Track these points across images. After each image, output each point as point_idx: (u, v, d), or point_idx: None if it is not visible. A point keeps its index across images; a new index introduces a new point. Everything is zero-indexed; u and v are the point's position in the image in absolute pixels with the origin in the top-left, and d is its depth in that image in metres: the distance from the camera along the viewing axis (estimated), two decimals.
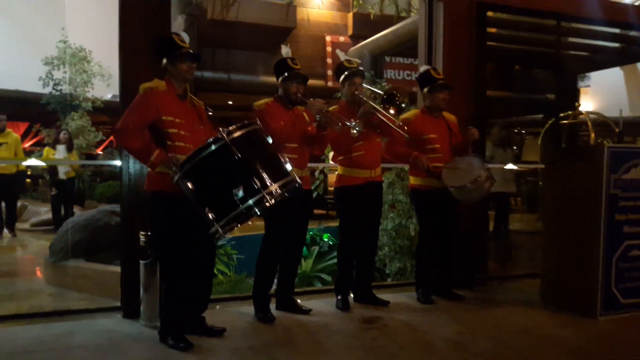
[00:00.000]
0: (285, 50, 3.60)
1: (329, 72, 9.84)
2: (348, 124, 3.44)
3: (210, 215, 2.63)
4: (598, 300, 3.73)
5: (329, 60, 10.04)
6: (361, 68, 3.90)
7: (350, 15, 10.26)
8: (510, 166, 6.13)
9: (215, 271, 4.84)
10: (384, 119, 3.69)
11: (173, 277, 3.04)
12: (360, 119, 3.65)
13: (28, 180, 11.85)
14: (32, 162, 7.29)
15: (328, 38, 10.07)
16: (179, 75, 3.04)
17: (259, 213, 2.70)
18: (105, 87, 10.73)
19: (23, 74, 10.63)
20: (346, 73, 3.78)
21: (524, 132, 14.66)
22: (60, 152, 7.97)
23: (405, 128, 3.75)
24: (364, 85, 3.90)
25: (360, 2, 10.23)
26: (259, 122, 2.97)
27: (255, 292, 3.61)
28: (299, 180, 2.87)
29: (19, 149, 7.70)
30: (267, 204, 2.62)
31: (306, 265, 5.29)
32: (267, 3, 9.62)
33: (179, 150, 2.93)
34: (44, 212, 8.65)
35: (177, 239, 2.97)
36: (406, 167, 5.27)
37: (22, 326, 3.40)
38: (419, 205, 4.15)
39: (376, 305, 3.95)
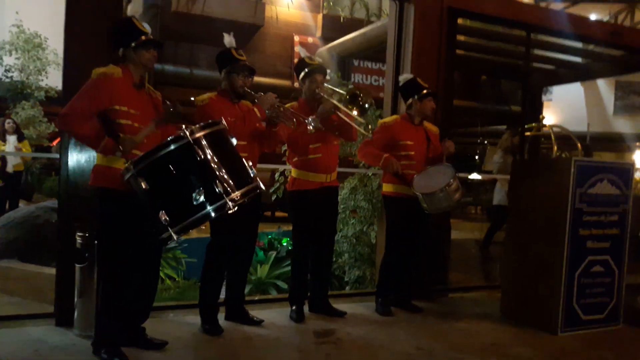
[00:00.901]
0: (228, 40, 3.33)
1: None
2: (303, 119, 3.24)
3: (164, 218, 2.38)
4: (559, 316, 3.65)
5: (296, 60, 9.82)
6: (323, 66, 3.71)
7: (320, 16, 10.11)
8: (474, 175, 6.07)
9: (162, 276, 4.58)
10: (345, 118, 3.53)
11: (112, 282, 2.76)
12: (320, 116, 3.47)
13: None
14: None
15: (296, 38, 9.88)
16: (141, 64, 2.78)
17: (213, 218, 2.46)
18: (61, 77, 10.20)
19: None
20: (307, 70, 3.59)
21: (486, 142, 14.87)
22: (11, 142, 7.50)
23: (369, 127, 3.60)
24: (326, 84, 3.71)
25: (331, 3, 10.09)
26: (224, 121, 2.72)
27: (202, 302, 3.37)
28: (262, 187, 2.66)
29: None
30: (229, 211, 2.41)
31: (262, 271, 5.05)
32: None
33: None
34: None
35: (121, 240, 2.70)
36: (369, 172, 5.15)
37: None
38: (390, 212, 3.99)
39: (332, 317, 3.76)
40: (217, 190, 2.34)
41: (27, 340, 3.02)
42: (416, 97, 3.86)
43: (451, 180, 3.64)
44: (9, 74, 9.91)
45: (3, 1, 9.99)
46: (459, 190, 3.74)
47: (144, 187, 2.38)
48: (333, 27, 9.63)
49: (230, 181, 2.42)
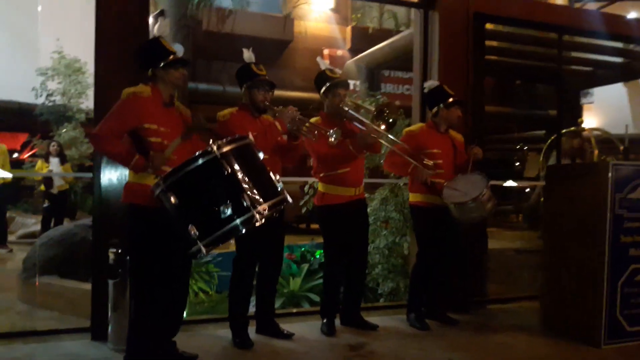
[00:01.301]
0: (247, 55, 3.35)
1: None
2: (325, 131, 3.22)
3: (193, 232, 2.41)
4: (602, 327, 3.47)
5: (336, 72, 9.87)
6: (346, 79, 3.70)
7: (348, 29, 10.14)
8: (510, 183, 5.90)
9: (195, 289, 4.63)
10: (383, 142, 3.51)
11: (143, 297, 2.80)
12: (356, 144, 3.44)
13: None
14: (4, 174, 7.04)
15: (326, 51, 9.92)
16: (170, 82, 2.85)
17: (243, 232, 2.48)
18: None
19: (18, 85, 10.50)
20: (328, 84, 3.57)
21: (525, 148, 14.49)
22: (54, 164, 7.79)
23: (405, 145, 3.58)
24: (349, 98, 3.69)
25: (359, 15, 10.11)
26: (251, 136, 2.76)
27: (231, 315, 3.38)
28: (289, 199, 2.65)
29: (5, 161, 7.51)
30: (257, 224, 2.41)
31: (294, 284, 5.04)
32: (264, 15, 9.52)
33: None
34: (32, 224, 8.44)
35: (152, 256, 2.74)
36: (400, 183, 5.08)
37: None
38: (418, 222, 3.92)
39: (364, 330, 3.70)
40: (244, 203, 2.36)
41: (63, 354, 3.10)
42: (442, 105, 3.80)
43: (484, 190, 3.56)
44: (52, 98, 10.35)
45: (45, 29, 10.45)
46: (492, 200, 3.66)
47: (173, 201, 2.42)
48: (362, 39, 9.64)
49: (258, 194, 2.43)
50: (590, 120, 13.87)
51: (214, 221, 2.35)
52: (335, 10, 10.06)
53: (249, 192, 2.39)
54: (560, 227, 3.86)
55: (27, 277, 4.40)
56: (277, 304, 4.88)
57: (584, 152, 5.07)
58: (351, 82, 9.19)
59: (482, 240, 4.92)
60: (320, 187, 3.66)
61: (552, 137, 6.33)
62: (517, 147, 14.66)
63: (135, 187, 2.75)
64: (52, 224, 7.48)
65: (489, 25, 6.30)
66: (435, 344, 3.48)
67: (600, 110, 14.89)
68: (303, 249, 6.05)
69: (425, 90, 3.96)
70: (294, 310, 4.49)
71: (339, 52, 9.99)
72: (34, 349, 3.17)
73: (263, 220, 2.42)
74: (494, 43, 7.45)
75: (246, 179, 2.44)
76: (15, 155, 11.72)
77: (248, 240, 3.27)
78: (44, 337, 3.42)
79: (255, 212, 2.37)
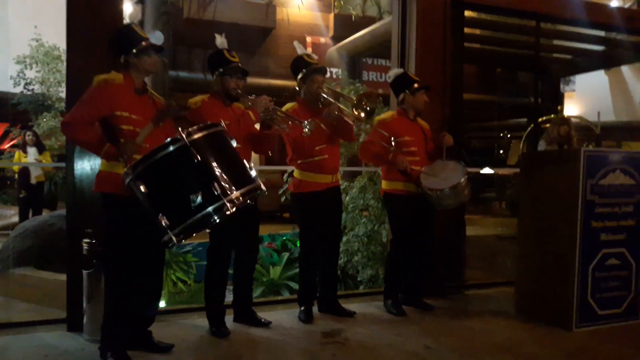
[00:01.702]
0: (220, 41, 3.31)
1: None
2: (299, 122, 3.21)
3: (164, 222, 2.39)
4: (574, 311, 3.55)
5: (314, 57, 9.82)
6: (323, 65, 3.68)
7: (331, 16, 10.09)
8: (487, 170, 5.95)
9: (174, 279, 4.63)
10: (348, 120, 3.50)
11: (117, 287, 2.80)
12: (326, 121, 3.45)
13: None
14: None
15: (309, 39, 9.88)
16: (143, 69, 2.82)
17: (217, 221, 2.47)
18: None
19: None
20: (305, 70, 3.55)
21: (509, 135, 14.61)
22: (31, 154, 7.69)
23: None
24: (326, 85, 3.68)
25: (342, 3, 10.05)
26: (223, 123, 2.73)
27: (207, 305, 3.38)
28: (263, 187, 2.65)
29: None
30: (228, 212, 2.40)
31: (274, 272, 5.06)
32: (246, 3, 9.43)
33: None
34: (11, 215, 8.33)
35: (126, 246, 2.73)
36: (379, 171, 5.09)
37: None
38: (392, 210, 3.94)
39: (341, 317, 3.74)
40: (215, 191, 2.34)
41: (38, 345, 3.09)
42: (407, 91, 3.80)
43: (463, 178, 3.59)
44: (30, 87, 10.17)
45: (22, 16, 10.24)
46: (468, 187, 3.70)
47: (143, 190, 2.40)
48: (345, 27, 9.59)
49: (230, 182, 2.41)
50: (572, 107, 14.01)
51: (184, 210, 2.34)
52: None
53: (220, 181, 2.37)
54: (535, 213, 3.91)
55: (2, 269, 4.36)
56: (257, 292, 4.94)
57: (571, 140, 5.09)
58: (333, 70, 9.18)
59: (459, 226, 4.96)
60: (296, 174, 3.66)
61: (532, 125, 6.36)
62: (501, 134, 14.77)
63: (107, 176, 2.72)
64: (30, 215, 7.38)
65: (470, 13, 6.34)
66: (410, 330, 3.52)
67: (582, 98, 15.02)
68: (285, 237, 6.08)
69: (390, 79, 3.95)
70: (273, 299, 4.51)
71: (322, 40, 9.95)
72: (8, 341, 3.15)
73: (234, 209, 2.40)
74: (477, 31, 7.47)
75: (217, 166, 2.42)
76: None
77: (221, 230, 3.25)
78: (19, 329, 3.39)
79: (226, 201, 2.35)
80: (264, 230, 6.69)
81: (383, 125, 3.79)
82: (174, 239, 2.37)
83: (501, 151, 15.22)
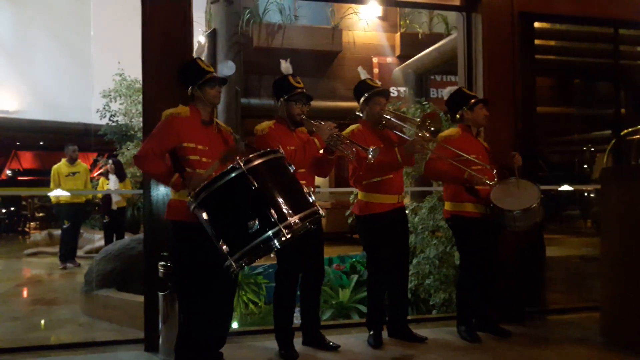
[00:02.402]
0: (285, 66, 3.37)
1: None
2: (364, 149, 3.19)
3: (224, 247, 2.45)
4: None
5: (377, 82, 9.82)
6: (386, 88, 3.67)
7: (397, 35, 10.06)
8: (565, 187, 5.62)
9: (245, 300, 4.71)
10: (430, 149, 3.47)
11: (190, 311, 2.89)
12: (404, 151, 3.41)
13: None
14: (58, 192, 7.43)
15: (375, 60, 9.89)
16: (207, 101, 2.94)
17: (277, 246, 2.48)
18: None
19: (84, 107, 11.16)
20: (367, 93, 3.56)
21: (593, 149, 13.77)
22: (112, 181, 8.18)
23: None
24: (390, 107, 3.66)
25: (407, 21, 10.01)
26: (281, 150, 2.78)
27: (276, 327, 3.42)
28: (322, 212, 2.64)
29: (87, 179, 7.98)
30: (284, 238, 2.40)
31: (343, 295, 5.02)
32: (312, 28, 9.61)
33: None
34: (98, 239, 8.89)
35: (196, 271, 2.82)
36: None
37: (40, 358, 3.35)
38: (462, 233, 3.80)
39: (412, 342, 3.64)
40: (272, 217, 2.36)
41: None
42: (465, 108, 3.70)
43: (536, 201, 3.43)
44: (115, 119, 10.91)
45: (107, 53, 11.04)
46: (541, 210, 3.52)
47: (205, 217, 2.47)
48: (412, 45, 9.52)
49: (287, 208, 2.43)
50: None
51: (242, 236, 2.37)
52: (383, 18, 10.01)
53: (276, 206, 2.39)
54: (619, 232, 3.64)
55: (88, 291, 4.64)
56: (326, 315, 4.92)
57: None
58: (399, 89, 9.12)
59: (538, 246, 4.72)
60: (360, 195, 3.63)
61: (615, 138, 5.93)
62: (584, 148, 13.96)
63: (177, 204, 2.84)
64: (114, 239, 7.84)
65: (542, 24, 6.10)
66: (485, 356, 3.36)
67: None
68: (354, 259, 6.03)
69: (445, 97, 3.86)
70: (342, 322, 4.47)
71: (389, 60, 9.93)
72: (89, 359, 3.33)
73: (292, 234, 2.40)
74: (552, 42, 7.17)
75: (275, 193, 2.45)
76: None
77: (288, 253, 3.29)
78: (101, 348, 3.59)
79: (282, 226, 2.36)
80: (334, 251, 6.73)
81: (449, 142, 3.68)
82: (233, 264, 2.40)
83: (585, 166, 14.37)
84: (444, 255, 4.99)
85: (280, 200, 2.44)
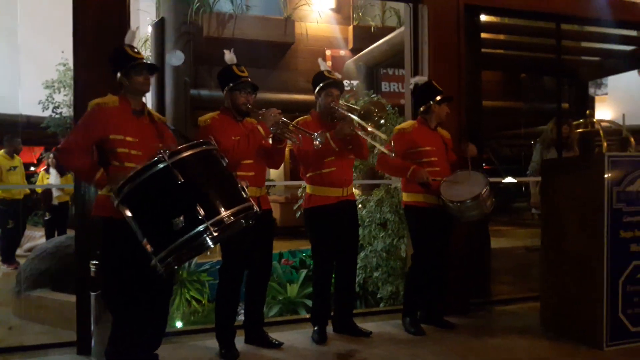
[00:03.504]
0: (229, 56, 3.27)
1: None
2: (309, 134, 3.12)
3: (148, 247, 2.29)
4: (604, 328, 3.32)
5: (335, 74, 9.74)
6: (341, 81, 3.59)
7: (350, 28, 10.01)
8: (509, 179, 5.71)
9: (188, 297, 4.57)
10: (367, 138, 3.39)
11: (118, 310, 2.74)
12: (337, 136, 3.35)
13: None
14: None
15: (328, 52, 9.81)
16: (134, 89, 2.78)
17: (210, 244, 2.35)
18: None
19: (26, 98, 10.61)
20: (322, 83, 3.48)
21: (533, 142, 14.18)
22: (53, 175, 7.82)
23: (392, 145, 3.45)
24: (342, 100, 3.59)
25: (360, 14, 9.98)
26: (213, 141, 2.64)
27: (217, 325, 3.30)
28: (256, 208, 2.53)
29: (24, 173, 7.60)
30: (212, 235, 2.26)
31: (291, 290, 4.95)
32: (264, 19, 9.44)
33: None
34: (39, 236, 8.49)
35: (125, 270, 2.66)
36: (396, 184, 4.96)
37: None
38: (413, 224, 3.81)
39: (357, 336, 3.60)
40: (199, 214, 2.22)
41: None
42: (432, 102, 3.69)
43: (484, 188, 3.45)
44: (58, 111, 10.43)
45: (50, 42, 10.53)
46: (491, 198, 3.56)
47: (127, 214, 2.31)
48: (364, 38, 9.48)
49: (217, 203, 2.30)
50: (605, 111, 13.50)
51: (167, 234, 2.21)
52: (337, 10, 9.93)
53: (205, 202, 2.25)
54: (558, 223, 3.71)
55: (19, 291, 4.38)
56: (274, 311, 4.83)
57: (572, 142, 4.80)
58: (352, 82, 9.08)
59: (483, 238, 4.78)
60: (307, 188, 3.57)
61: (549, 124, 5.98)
62: (532, 142, 14.36)
63: (104, 199, 2.67)
64: (56, 236, 7.49)
65: (488, 18, 6.17)
66: (428, 350, 3.36)
67: (616, 102, 14.49)
68: (304, 254, 5.97)
69: (412, 87, 3.84)
70: (286, 318, 4.40)
71: (342, 53, 9.87)
72: None
73: (220, 232, 2.26)
74: (501, 36, 7.27)
75: (203, 187, 2.31)
76: (32, 168, 11.86)
77: (232, 249, 3.20)
78: (32, 352, 3.39)
79: (210, 223, 2.21)
80: (287, 246, 6.64)
81: (401, 135, 3.70)
82: (158, 264, 2.26)
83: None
84: (391, 248, 4.99)
85: (209, 195, 2.31)
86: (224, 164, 2.51)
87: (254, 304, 3.46)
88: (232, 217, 2.30)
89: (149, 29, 9.07)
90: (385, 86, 9.54)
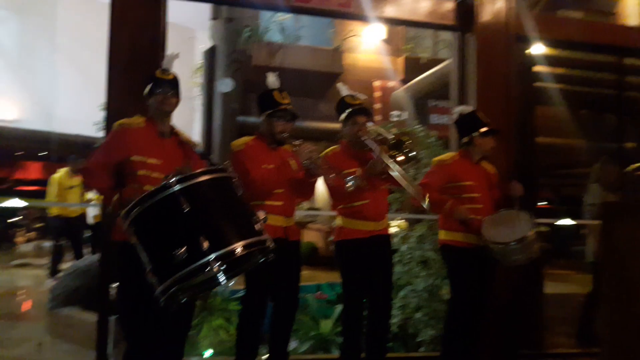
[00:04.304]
0: (271, 79, 3.14)
1: (377, 118, 9.45)
2: (343, 178, 2.95)
3: (150, 277, 2.14)
4: None
5: (378, 106, 9.63)
6: (367, 106, 3.43)
7: (401, 59, 9.93)
8: (566, 221, 5.31)
9: (214, 326, 4.42)
10: (399, 180, 3.18)
11: (133, 340, 2.63)
12: (367, 175, 3.17)
13: None
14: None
15: (377, 83, 9.74)
16: (155, 108, 2.73)
17: (220, 279, 2.14)
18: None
19: (85, 120, 11.09)
20: (348, 111, 3.33)
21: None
22: (91, 195, 7.97)
23: (425, 194, 3.20)
24: (371, 126, 3.41)
25: (411, 45, 9.88)
26: (230, 168, 2.52)
27: (237, 359, 3.12)
28: (270, 243, 2.29)
29: (61, 191, 7.80)
30: (212, 271, 2.04)
31: (325, 326, 4.72)
32: (313, 49, 9.50)
33: None
34: (86, 253, 8.65)
35: (137, 296, 2.53)
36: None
37: None
38: (451, 265, 3.54)
39: None
40: (202, 246, 2.03)
41: None
42: (476, 134, 3.44)
43: (530, 231, 3.17)
44: None
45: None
46: (538, 241, 3.26)
47: (133, 241, 2.17)
48: (415, 69, 9.35)
49: (225, 236, 2.12)
50: None
51: (169, 266, 2.04)
52: (387, 41, 9.89)
53: (212, 234, 2.07)
54: (622, 274, 3.32)
55: (52, 308, 4.39)
56: (305, 347, 4.60)
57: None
58: (398, 113, 8.91)
59: (535, 283, 4.43)
60: (338, 220, 3.38)
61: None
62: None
63: (120, 223, 2.59)
64: (92, 255, 7.59)
65: (550, 51, 5.88)
66: None
67: None
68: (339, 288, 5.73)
69: (456, 116, 3.60)
70: (313, 357, 4.17)
71: (391, 84, 9.77)
72: None
73: (216, 268, 2.04)
74: (561, 70, 6.93)
75: (212, 217, 2.14)
76: None
77: (256, 277, 3.04)
78: None
79: (211, 259, 2.02)
80: (327, 277, 6.40)
81: (440, 167, 3.47)
82: (160, 297, 2.09)
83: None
84: (433, 288, 4.69)
85: (218, 226, 2.14)
86: (239, 193, 2.34)
87: (277, 339, 3.25)
88: (242, 250, 2.11)
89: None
90: (434, 118, 9.32)
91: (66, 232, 7.58)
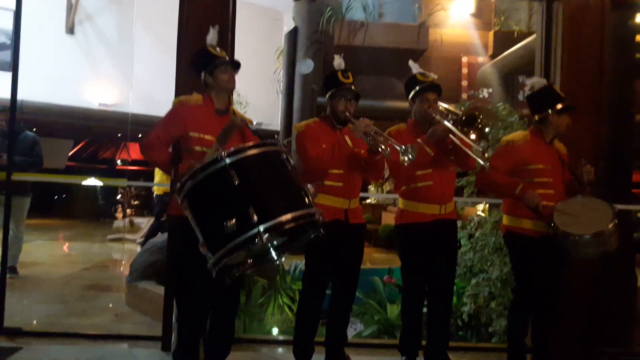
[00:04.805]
0: (337, 62, 3.09)
1: (464, 96, 8.98)
2: (397, 147, 2.78)
3: (204, 248, 2.19)
4: None
5: (464, 83, 9.15)
6: (437, 83, 3.23)
7: (491, 34, 9.30)
8: None
9: (280, 303, 4.47)
10: (460, 144, 2.97)
11: (184, 315, 2.72)
12: (430, 140, 3.00)
13: None
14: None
15: (464, 59, 9.23)
16: (220, 87, 2.78)
17: (272, 252, 2.23)
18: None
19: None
20: (417, 87, 3.16)
21: None
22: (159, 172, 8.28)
23: (487, 156, 2.98)
24: (440, 104, 3.21)
25: (502, 19, 9.24)
26: (281, 142, 2.50)
27: (295, 340, 3.14)
28: (318, 216, 2.24)
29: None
30: (261, 242, 2.06)
31: (391, 311, 4.61)
32: (396, 25, 9.15)
33: None
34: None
35: (189, 268, 2.62)
36: None
37: (62, 346, 3.36)
38: (515, 253, 3.27)
39: None
40: (251, 218, 2.05)
41: None
42: (550, 111, 3.12)
43: (609, 224, 2.85)
44: None
45: None
46: (616, 234, 2.91)
47: (188, 214, 2.24)
48: (506, 44, 8.71)
49: (273, 208, 2.11)
50: None
51: (219, 238, 2.08)
52: (476, 14, 9.31)
53: (261, 205, 2.08)
54: None
55: (130, 281, 4.67)
56: (369, 331, 4.54)
57: None
58: (484, 90, 8.40)
59: (626, 274, 4.01)
60: (400, 203, 3.24)
61: None
62: None
63: (175, 198, 2.66)
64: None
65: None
66: None
67: None
68: None
69: (529, 90, 3.26)
70: (373, 342, 4.07)
71: (480, 59, 9.21)
72: (106, 353, 3.29)
73: (264, 238, 2.05)
74: None
75: (261, 190, 2.15)
76: None
77: (317, 258, 3.02)
78: (124, 341, 3.55)
79: (262, 229, 2.03)
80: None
81: (511, 149, 3.18)
82: (212, 270, 2.14)
83: None
84: (507, 276, 4.40)
85: (266, 198, 2.14)
86: (289, 167, 2.31)
87: (335, 321, 3.21)
88: (292, 223, 2.10)
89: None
90: (522, 95, 8.69)
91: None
